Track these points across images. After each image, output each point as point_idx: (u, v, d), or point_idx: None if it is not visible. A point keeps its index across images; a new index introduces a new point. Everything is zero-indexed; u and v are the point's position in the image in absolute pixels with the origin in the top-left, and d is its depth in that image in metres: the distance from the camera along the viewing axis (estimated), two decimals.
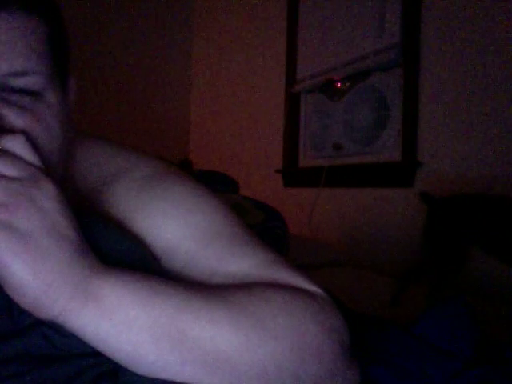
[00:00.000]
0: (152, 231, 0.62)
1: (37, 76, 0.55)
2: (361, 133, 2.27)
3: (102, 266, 0.51)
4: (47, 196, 0.48)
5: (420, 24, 1.99)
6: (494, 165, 1.70)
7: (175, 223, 0.63)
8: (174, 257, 0.61)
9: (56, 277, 0.47)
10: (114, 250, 0.55)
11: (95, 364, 0.52)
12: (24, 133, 0.52)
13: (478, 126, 1.76)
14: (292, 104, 2.66)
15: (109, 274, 0.50)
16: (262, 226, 1.59)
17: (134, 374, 0.51)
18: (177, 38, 3.48)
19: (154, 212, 0.63)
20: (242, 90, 3.10)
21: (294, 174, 2.69)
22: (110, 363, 0.52)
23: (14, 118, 0.53)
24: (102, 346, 0.49)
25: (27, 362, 0.51)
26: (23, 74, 0.54)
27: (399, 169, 2.08)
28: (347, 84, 2.34)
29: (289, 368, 0.52)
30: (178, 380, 0.50)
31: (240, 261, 0.60)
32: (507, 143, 1.67)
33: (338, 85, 2.38)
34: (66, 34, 0.63)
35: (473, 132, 1.78)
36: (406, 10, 2.03)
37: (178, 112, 3.49)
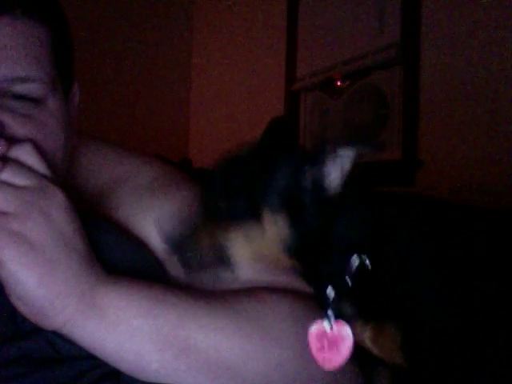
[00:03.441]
0: (154, 237, 0.62)
1: (38, 83, 0.54)
2: (361, 131, 2.26)
3: (107, 275, 0.50)
4: (56, 206, 0.48)
5: (420, 22, 1.98)
6: (494, 163, 1.70)
7: None
8: (176, 264, 0.61)
9: (62, 288, 0.47)
10: (119, 257, 0.55)
11: (96, 366, 0.52)
12: (30, 141, 0.52)
13: (479, 124, 1.76)
14: (292, 102, 2.65)
15: (113, 283, 0.50)
16: None
17: None
18: (177, 37, 3.47)
19: (156, 217, 0.62)
20: (241, 88, 3.09)
21: None
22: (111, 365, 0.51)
23: (16, 126, 0.53)
24: (105, 356, 0.49)
25: (28, 364, 0.51)
26: (25, 80, 0.53)
27: (400, 167, 2.07)
28: (347, 82, 2.33)
29: (294, 375, 0.51)
30: None
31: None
32: (508, 141, 1.66)
33: (338, 83, 2.37)
34: (70, 41, 0.62)
35: (474, 130, 1.77)
36: (406, 8, 2.02)
37: (177, 110, 3.48)
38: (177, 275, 0.61)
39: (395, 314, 0.49)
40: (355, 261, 0.47)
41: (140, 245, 0.60)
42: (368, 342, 0.49)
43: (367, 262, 0.47)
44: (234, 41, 3.17)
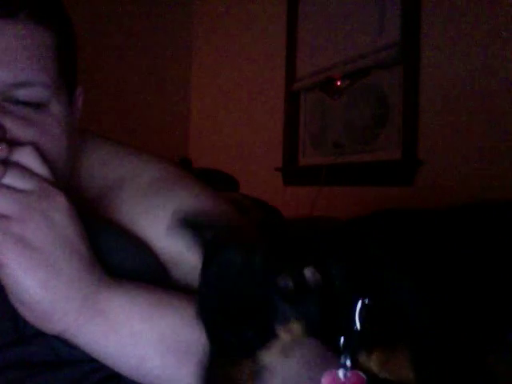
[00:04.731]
0: (156, 239, 0.61)
1: (41, 87, 0.54)
2: (361, 131, 2.27)
3: (109, 279, 0.50)
4: (58, 209, 0.48)
5: (420, 21, 1.98)
6: (494, 163, 1.70)
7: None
8: (179, 266, 0.61)
9: (65, 292, 0.47)
10: (121, 259, 0.55)
11: (97, 368, 0.52)
12: (32, 144, 0.51)
13: (479, 124, 1.76)
14: (292, 102, 2.65)
15: (116, 287, 0.50)
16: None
17: None
18: (177, 37, 3.47)
19: (158, 219, 0.62)
20: (241, 89, 3.09)
21: (293, 173, 2.68)
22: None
23: (18, 131, 0.52)
24: (107, 360, 0.49)
25: (28, 367, 0.51)
26: (27, 84, 0.53)
27: (399, 167, 2.08)
28: (347, 82, 2.33)
29: (293, 376, 0.51)
30: None
31: None
32: (508, 141, 1.66)
33: (338, 83, 2.37)
34: (75, 45, 0.61)
35: (473, 130, 1.78)
36: (406, 8, 2.02)
37: (177, 110, 3.48)
38: (178, 277, 0.61)
39: (399, 333, 0.49)
40: (359, 305, 0.47)
41: (142, 246, 0.60)
42: (375, 368, 0.49)
43: (367, 301, 0.47)
44: (233, 41, 3.17)
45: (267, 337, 0.46)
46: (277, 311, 0.46)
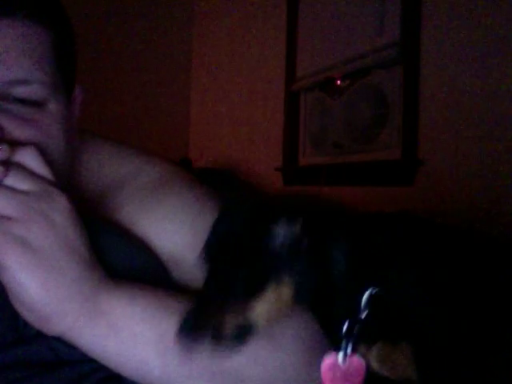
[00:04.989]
0: (156, 239, 0.61)
1: (39, 85, 0.54)
2: (361, 131, 2.26)
3: (110, 280, 0.50)
4: (59, 210, 0.48)
5: (420, 21, 1.98)
6: (495, 162, 1.70)
7: (179, 232, 0.62)
8: (179, 266, 0.61)
9: (66, 294, 0.47)
10: (121, 260, 0.55)
11: (97, 369, 0.52)
12: (33, 145, 0.51)
13: (479, 124, 1.76)
14: (292, 102, 2.65)
15: (116, 288, 0.50)
16: None
17: None
18: (177, 37, 3.47)
19: (158, 219, 0.62)
20: (241, 89, 3.09)
21: (293, 173, 2.68)
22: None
23: (16, 130, 0.52)
24: (108, 361, 0.49)
25: (28, 368, 0.51)
26: (25, 83, 0.53)
27: (399, 167, 2.07)
28: (347, 82, 2.33)
29: (297, 380, 0.51)
30: None
31: None
32: (508, 141, 1.66)
33: (338, 83, 2.37)
34: (73, 44, 0.61)
35: (474, 129, 1.78)
36: (406, 8, 2.02)
37: (177, 110, 3.47)
38: (178, 277, 0.61)
39: (402, 331, 0.49)
40: (366, 294, 0.47)
41: (142, 247, 0.60)
42: (375, 364, 0.49)
43: (374, 292, 0.47)
44: (234, 41, 3.17)
45: (256, 294, 0.47)
46: (270, 271, 0.46)
